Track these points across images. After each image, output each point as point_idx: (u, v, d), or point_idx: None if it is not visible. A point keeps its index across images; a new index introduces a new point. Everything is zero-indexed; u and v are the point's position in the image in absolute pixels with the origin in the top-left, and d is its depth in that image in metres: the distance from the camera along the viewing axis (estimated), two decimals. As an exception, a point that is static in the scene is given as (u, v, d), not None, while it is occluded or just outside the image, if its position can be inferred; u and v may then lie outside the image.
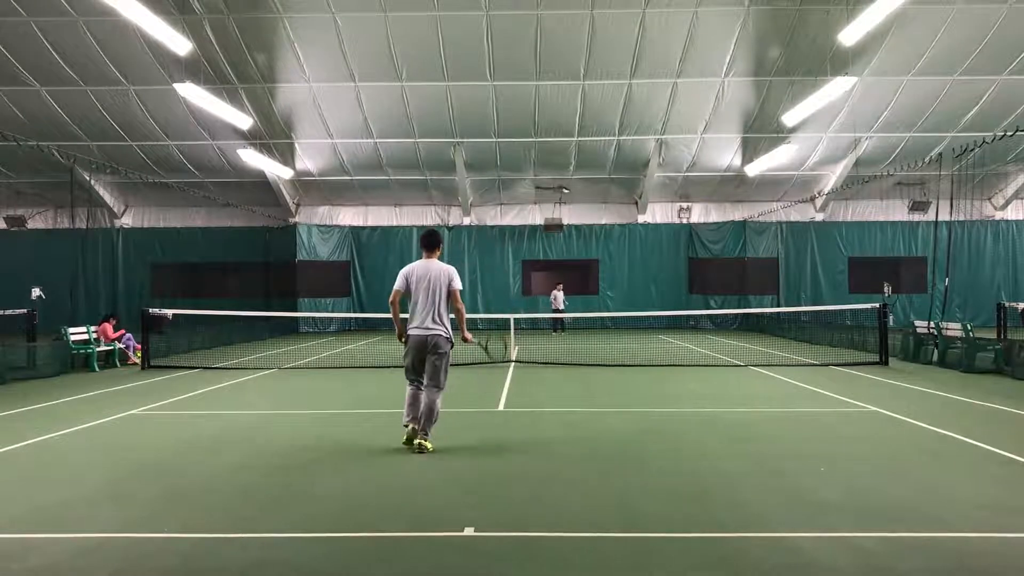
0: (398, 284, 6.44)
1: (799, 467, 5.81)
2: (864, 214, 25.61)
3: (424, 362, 6.40)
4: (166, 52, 16.55)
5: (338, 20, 16.82)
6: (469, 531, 4.32)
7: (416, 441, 6.31)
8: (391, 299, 6.46)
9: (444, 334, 6.39)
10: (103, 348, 14.21)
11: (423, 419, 6.30)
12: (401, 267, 6.71)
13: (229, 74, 18.57)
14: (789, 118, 18.32)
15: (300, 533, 4.35)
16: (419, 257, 6.69)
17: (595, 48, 17.67)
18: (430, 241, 6.67)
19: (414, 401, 6.48)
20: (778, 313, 22.08)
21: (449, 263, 6.76)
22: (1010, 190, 24.98)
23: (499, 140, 21.51)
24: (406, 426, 6.51)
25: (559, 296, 22.57)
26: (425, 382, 6.39)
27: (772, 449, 6.50)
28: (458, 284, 6.43)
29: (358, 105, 19.87)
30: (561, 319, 22.41)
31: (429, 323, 6.32)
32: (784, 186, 24.76)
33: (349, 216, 25.91)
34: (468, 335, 6.67)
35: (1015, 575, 3.71)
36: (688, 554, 3.96)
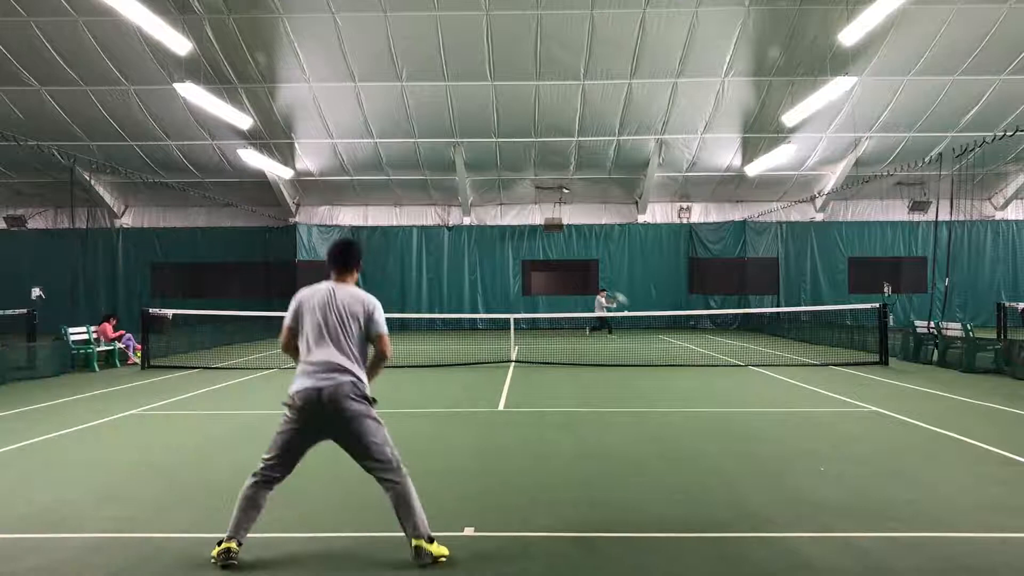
0: (288, 320, 4.18)
1: (799, 467, 5.81)
2: (864, 214, 25.60)
3: (312, 440, 4.08)
4: (166, 52, 16.52)
5: (338, 20, 16.81)
6: (469, 531, 4.32)
7: (419, 547, 3.84)
8: (282, 342, 4.27)
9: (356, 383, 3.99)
10: (103, 348, 14.22)
11: (410, 521, 3.90)
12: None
13: (229, 74, 18.57)
14: (789, 118, 18.30)
15: (300, 533, 4.36)
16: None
17: (595, 48, 17.66)
18: (344, 256, 4.21)
19: (250, 505, 3.98)
20: (778, 313, 22.08)
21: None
22: (1010, 190, 24.97)
23: (499, 140, 21.49)
24: (221, 545, 3.91)
25: (601, 301, 21.83)
26: (374, 472, 3.99)
27: (772, 449, 6.50)
28: (383, 326, 4.12)
29: (358, 105, 19.86)
30: (603, 319, 21.67)
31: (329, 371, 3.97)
32: (784, 186, 24.75)
33: (349, 216, 25.89)
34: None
35: (1015, 575, 3.71)
36: (688, 554, 3.96)
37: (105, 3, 11.59)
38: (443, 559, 3.86)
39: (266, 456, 4.01)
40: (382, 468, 3.95)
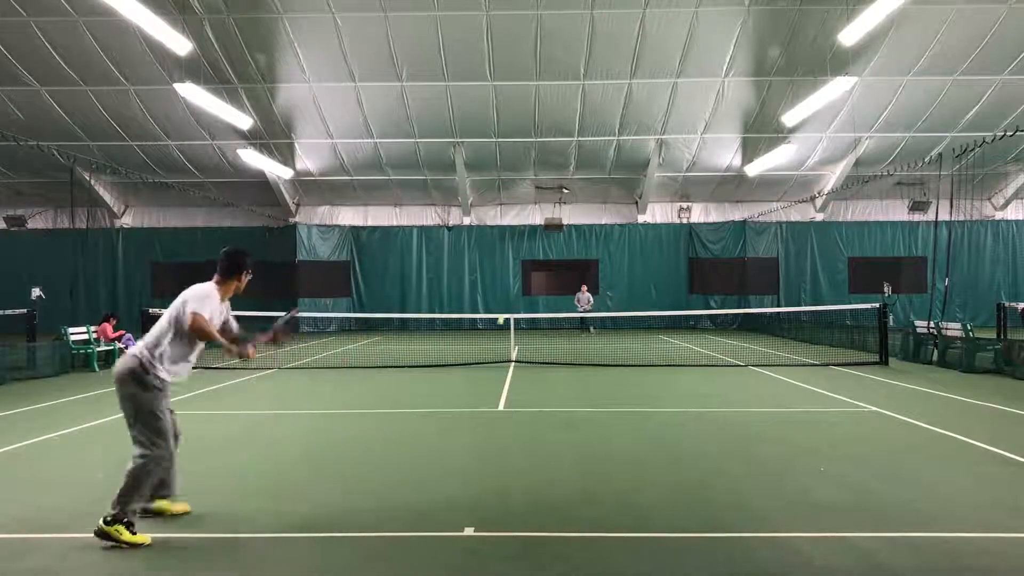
0: None
1: (799, 467, 5.81)
2: (864, 214, 25.60)
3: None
4: (166, 52, 16.52)
5: (338, 20, 16.81)
6: (469, 531, 4.32)
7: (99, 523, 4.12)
8: None
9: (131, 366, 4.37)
10: (103, 348, 14.21)
11: (120, 493, 4.25)
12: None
13: (229, 74, 18.56)
14: (789, 118, 18.30)
15: (300, 533, 4.35)
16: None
17: (595, 48, 17.65)
18: (223, 262, 4.80)
19: None
20: (778, 313, 22.08)
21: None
22: (1010, 190, 24.97)
23: (499, 140, 21.49)
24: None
25: (582, 297, 22.52)
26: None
27: (772, 449, 6.49)
28: (190, 305, 4.51)
29: (358, 105, 19.86)
30: (585, 319, 22.11)
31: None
32: (784, 186, 24.75)
33: (349, 216, 25.89)
34: (248, 350, 4.64)
35: (1015, 575, 3.71)
36: (688, 554, 3.96)
37: (105, 3, 11.58)
38: (124, 546, 4.05)
39: None
40: (134, 443, 4.44)
